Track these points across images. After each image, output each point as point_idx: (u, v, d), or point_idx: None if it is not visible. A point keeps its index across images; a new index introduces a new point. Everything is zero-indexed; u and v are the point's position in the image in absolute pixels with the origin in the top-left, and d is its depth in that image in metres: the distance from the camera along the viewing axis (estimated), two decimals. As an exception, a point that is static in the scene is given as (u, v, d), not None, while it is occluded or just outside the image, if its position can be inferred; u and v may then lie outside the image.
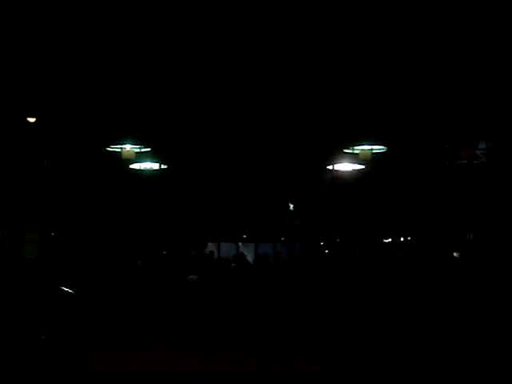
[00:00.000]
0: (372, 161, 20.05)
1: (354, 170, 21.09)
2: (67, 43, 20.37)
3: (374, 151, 19.62)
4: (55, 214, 22.04)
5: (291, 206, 25.52)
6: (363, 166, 20.78)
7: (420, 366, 13.15)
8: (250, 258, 21.98)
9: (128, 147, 19.61)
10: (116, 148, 19.91)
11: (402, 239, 23.49)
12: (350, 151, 20.01)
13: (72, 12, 19.79)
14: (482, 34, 20.05)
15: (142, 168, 20.94)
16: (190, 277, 18.79)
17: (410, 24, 20.15)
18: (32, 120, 21.50)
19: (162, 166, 21.30)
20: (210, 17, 20.23)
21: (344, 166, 21.12)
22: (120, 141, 19.67)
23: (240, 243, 24.56)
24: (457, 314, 17.13)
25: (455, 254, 21.73)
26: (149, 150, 20.16)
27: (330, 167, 21.57)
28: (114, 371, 12.48)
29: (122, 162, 20.33)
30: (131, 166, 20.84)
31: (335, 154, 20.82)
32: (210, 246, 23.64)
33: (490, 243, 20.72)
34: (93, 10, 19.81)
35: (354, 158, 20.29)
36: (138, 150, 19.82)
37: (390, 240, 23.59)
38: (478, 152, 22.45)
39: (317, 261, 21.27)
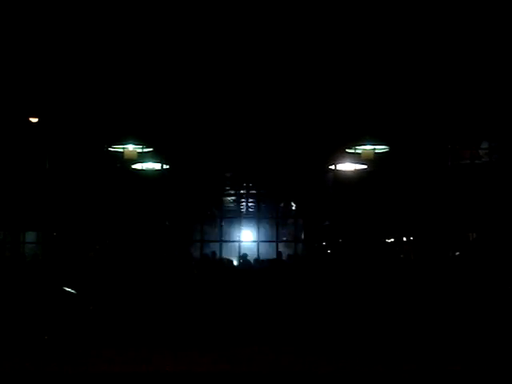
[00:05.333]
0: (374, 161, 20.03)
1: (356, 170, 21.08)
2: (68, 43, 20.35)
3: (376, 151, 19.59)
4: (57, 215, 22.02)
5: (293, 205, 25.50)
6: (365, 166, 20.77)
7: (421, 366, 13.15)
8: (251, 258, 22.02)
9: (130, 147, 19.60)
10: (118, 148, 19.91)
11: (404, 239, 23.46)
12: (353, 151, 19.98)
13: (72, 12, 19.76)
14: (483, 33, 20.03)
15: (144, 168, 20.94)
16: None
17: (411, 24, 20.13)
18: (34, 120, 21.49)
19: (165, 166, 21.30)
20: (210, 17, 20.21)
21: (346, 166, 21.11)
22: (122, 141, 19.65)
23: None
24: (458, 313, 17.13)
25: (456, 254, 21.74)
26: (151, 150, 20.16)
27: (332, 167, 21.56)
28: (117, 371, 12.48)
29: (124, 162, 20.33)
30: (133, 166, 20.83)
31: (337, 154, 20.80)
32: (212, 246, 23.62)
33: (493, 243, 20.70)
34: (93, 9, 19.78)
35: (357, 157, 20.27)
36: (140, 150, 19.82)
37: (392, 240, 23.56)
38: (480, 152, 22.41)
39: (319, 261, 21.29)
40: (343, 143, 20.21)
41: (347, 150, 20.04)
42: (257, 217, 24.34)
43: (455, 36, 20.23)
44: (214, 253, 22.48)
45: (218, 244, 23.56)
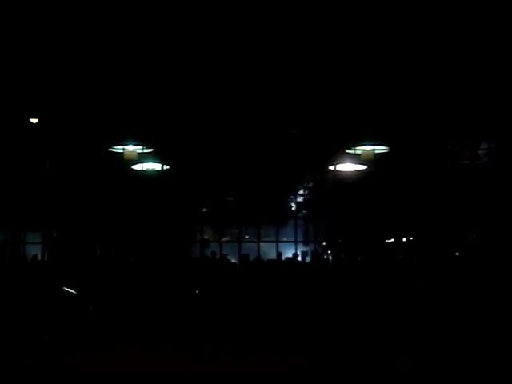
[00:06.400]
0: (374, 161, 20.06)
1: (356, 171, 21.11)
2: (68, 43, 20.38)
3: (376, 151, 19.63)
4: (58, 215, 22.04)
5: (293, 206, 25.52)
6: (365, 167, 20.80)
7: (421, 366, 13.15)
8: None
9: (130, 148, 19.64)
10: (118, 149, 19.94)
11: (404, 240, 23.48)
12: (352, 151, 20.02)
13: (72, 12, 19.79)
14: (482, 34, 20.04)
15: (144, 169, 20.97)
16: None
17: (410, 24, 20.14)
18: (34, 121, 21.51)
19: (165, 167, 21.32)
20: (210, 17, 20.23)
21: (346, 167, 21.14)
22: (122, 141, 19.69)
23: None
24: (458, 313, 17.14)
25: (456, 254, 21.74)
26: (151, 150, 20.19)
27: (331, 167, 21.58)
28: (116, 371, 12.49)
29: (124, 162, 20.36)
30: (133, 167, 20.86)
31: (337, 155, 20.82)
32: (212, 247, 23.63)
33: (493, 243, 20.71)
34: (93, 10, 19.81)
35: (356, 158, 20.30)
36: (140, 151, 19.86)
37: (392, 240, 23.57)
38: (480, 152, 22.43)
39: (319, 261, 21.29)
40: (343, 144, 20.24)
41: (347, 151, 20.08)
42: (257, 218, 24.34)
43: (454, 37, 20.24)
44: (213, 253, 22.47)
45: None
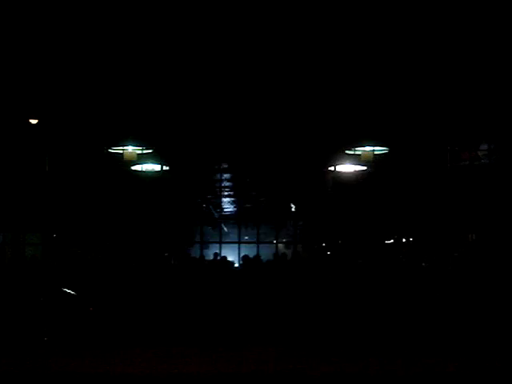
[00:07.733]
0: (374, 162, 20.07)
1: (355, 171, 21.12)
2: (68, 44, 20.37)
3: (375, 152, 19.64)
4: (57, 216, 22.04)
5: (293, 206, 25.51)
6: (365, 168, 20.81)
7: (420, 366, 13.15)
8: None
9: (130, 149, 19.65)
10: (118, 149, 19.95)
11: (404, 240, 23.47)
12: (352, 152, 20.03)
13: (72, 12, 19.79)
14: (482, 34, 20.05)
15: (143, 169, 20.97)
16: None
17: (410, 24, 20.15)
18: (34, 122, 21.50)
19: (164, 168, 21.32)
20: (209, 17, 20.23)
21: (346, 167, 21.15)
22: (122, 142, 19.69)
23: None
24: (457, 314, 17.15)
25: (455, 255, 21.75)
26: (151, 151, 20.20)
27: (331, 168, 21.59)
28: (116, 372, 12.48)
29: (123, 163, 20.36)
30: (133, 168, 20.86)
31: (337, 155, 20.83)
32: (213, 248, 23.64)
33: (492, 244, 20.72)
34: (93, 10, 19.80)
35: (356, 159, 20.31)
36: (139, 152, 19.86)
37: (391, 241, 23.57)
38: (479, 153, 22.44)
39: (319, 262, 21.29)
40: (343, 145, 20.25)
41: (347, 152, 20.10)
42: (256, 218, 24.35)
43: (454, 38, 20.25)
44: (216, 254, 22.47)
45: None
